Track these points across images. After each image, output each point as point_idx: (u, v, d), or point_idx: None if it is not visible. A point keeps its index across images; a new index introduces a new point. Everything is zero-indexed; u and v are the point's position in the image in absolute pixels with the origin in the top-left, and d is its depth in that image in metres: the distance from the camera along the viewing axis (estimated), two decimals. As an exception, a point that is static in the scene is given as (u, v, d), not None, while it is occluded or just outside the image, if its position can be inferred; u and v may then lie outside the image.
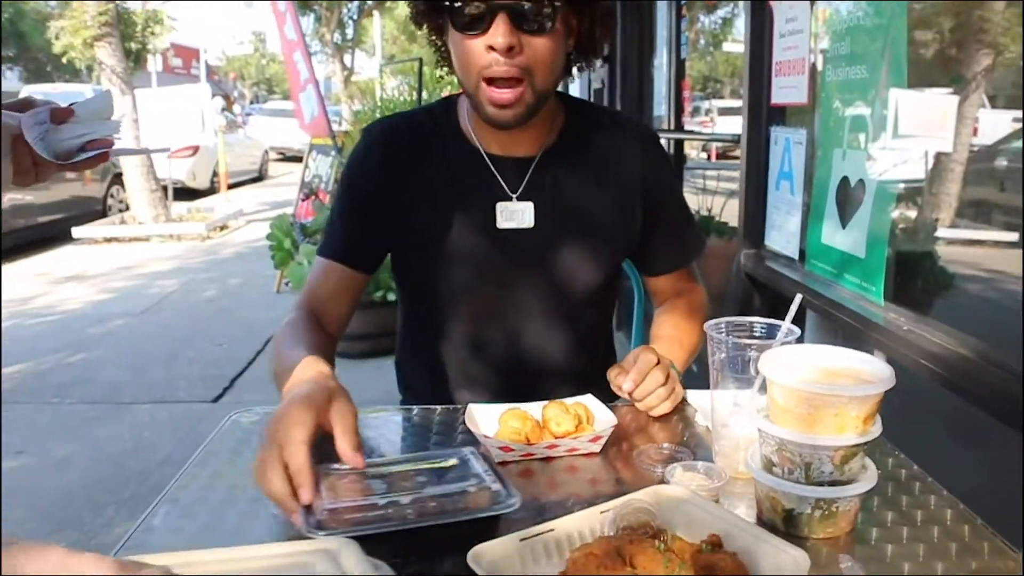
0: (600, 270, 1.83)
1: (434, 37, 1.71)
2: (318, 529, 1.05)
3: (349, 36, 27.06)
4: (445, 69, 1.75)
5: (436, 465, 1.24)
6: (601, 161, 1.81)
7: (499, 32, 1.51)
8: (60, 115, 1.37)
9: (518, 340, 1.81)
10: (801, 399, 1.11)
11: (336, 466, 1.22)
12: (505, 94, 1.57)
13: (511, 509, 1.11)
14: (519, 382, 1.82)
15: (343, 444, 1.21)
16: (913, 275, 2.60)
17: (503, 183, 1.75)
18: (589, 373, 1.87)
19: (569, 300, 1.82)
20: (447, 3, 1.57)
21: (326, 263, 1.81)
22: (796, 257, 2.70)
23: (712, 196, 5.81)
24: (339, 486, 1.16)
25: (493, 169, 1.75)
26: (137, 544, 1.10)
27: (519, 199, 1.75)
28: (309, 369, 1.41)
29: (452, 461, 1.25)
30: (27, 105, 1.39)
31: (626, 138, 1.85)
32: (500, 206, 1.74)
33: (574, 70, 1.78)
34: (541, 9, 1.53)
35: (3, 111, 1.33)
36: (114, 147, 1.38)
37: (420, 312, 1.90)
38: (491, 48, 1.54)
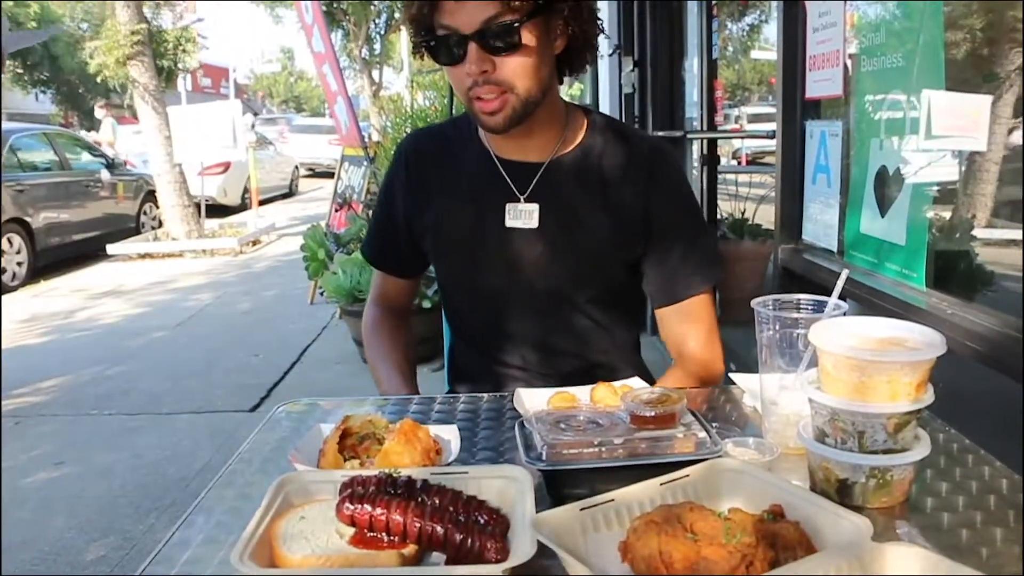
0: (599, 278, 1.87)
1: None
2: (538, 461, 1.18)
3: (377, 52, 27.18)
4: None
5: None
6: (607, 177, 1.85)
7: (472, 60, 1.64)
8: None
9: (524, 336, 1.91)
10: (853, 367, 1.11)
11: (556, 410, 1.35)
12: (491, 103, 1.68)
13: (715, 455, 1.19)
14: (529, 380, 1.90)
15: None
16: (955, 260, 2.58)
17: (512, 185, 1.84)
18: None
19: (569, 301, 1.87)
20: (425, 43, 1.71)
21: (376, 270, 2.11)
22: (835, 249, 2.69)
23: (744, 201, 5.80)
24: (558, 427, 1.26)
25: (503, 172, 1.85)
26: (167, 558, 1.09)
27: (527, 201, 1.83)
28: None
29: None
30: None
31: (637, 159, 1.86)
32: (509, 206, 1.84)
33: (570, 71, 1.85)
34: (505, 31, 1.62)
35: None
36: None
37: (450, 304, 2.06)
38: (468, 74, 1.66)
